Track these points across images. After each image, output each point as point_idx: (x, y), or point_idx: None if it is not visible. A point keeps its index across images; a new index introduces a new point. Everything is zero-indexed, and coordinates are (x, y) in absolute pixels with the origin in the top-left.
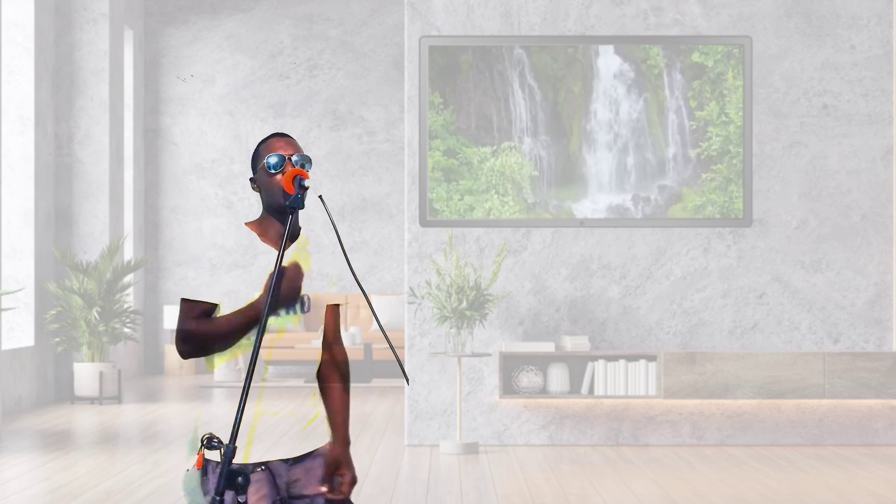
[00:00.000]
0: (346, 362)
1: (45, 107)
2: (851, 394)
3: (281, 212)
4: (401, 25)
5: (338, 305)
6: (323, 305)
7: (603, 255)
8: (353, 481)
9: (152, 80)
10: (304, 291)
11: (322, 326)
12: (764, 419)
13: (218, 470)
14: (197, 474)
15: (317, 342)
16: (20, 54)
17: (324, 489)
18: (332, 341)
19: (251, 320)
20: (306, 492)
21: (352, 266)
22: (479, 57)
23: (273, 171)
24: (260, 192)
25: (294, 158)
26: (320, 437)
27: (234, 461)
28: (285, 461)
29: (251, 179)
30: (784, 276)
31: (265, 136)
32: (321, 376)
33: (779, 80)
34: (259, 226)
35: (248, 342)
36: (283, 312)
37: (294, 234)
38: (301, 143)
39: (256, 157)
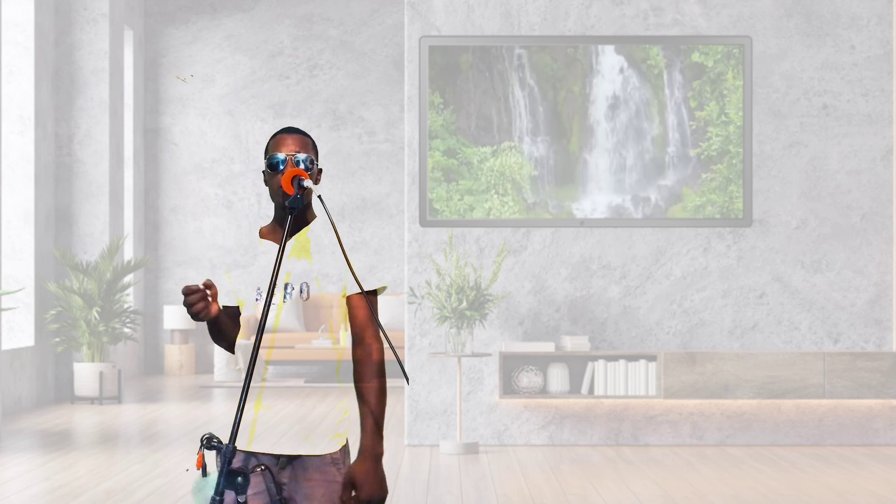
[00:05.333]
0: (379, 362)
1: (45, 107)
2: (851, 394)
3: (283, 209)
4: (401, 25)
5: (373, 292)
6: (331, 306)
7: (603, 255)
8: (371, 501)
9: (152, 80)
10: (306, 280)
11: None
12: (764, 419)
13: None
14: (204, 477)
15: (317, 342)
16: (20, 54)
17: None
18: (361, 336)
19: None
20: (298, 499)
21: (352, 266)
22: (479, 57)
23: (275, 171)
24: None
25: (296, 158)
26: (318, 439)
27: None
28: (276, 458)
29: (264, 172)
30: (784, 276)
31: (277, 130)
32: (355, 379)
33: (779, 80)
34: (271, 225)
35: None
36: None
37: (304, 224)
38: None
39: (267, 153)
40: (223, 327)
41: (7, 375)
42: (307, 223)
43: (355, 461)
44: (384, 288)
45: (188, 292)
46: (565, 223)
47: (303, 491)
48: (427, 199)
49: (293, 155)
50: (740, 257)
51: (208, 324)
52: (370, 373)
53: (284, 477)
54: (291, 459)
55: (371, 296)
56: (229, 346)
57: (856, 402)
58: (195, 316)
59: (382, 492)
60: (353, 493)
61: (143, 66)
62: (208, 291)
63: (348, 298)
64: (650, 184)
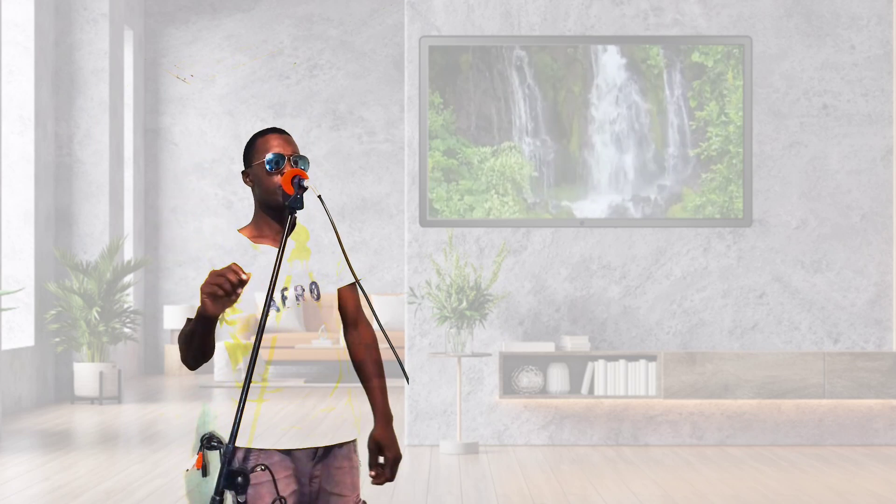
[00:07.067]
0: (374, 343)
1: (45, 107)
2: (851, 394)
3: (277, 209)
4: (401, 25)
5: (353, 285)
6: (331, 306)
7: (603, 255)
8: (397, 460)
9: (152, 80)
10: (313, 279)
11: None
12: (764, 419)
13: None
14: (197, 474)
15: (317, 342)
16: (20, 54)
17: (372, 473)
18: (355, 321)
19: (198, 320)
20: (328, 488)
21: (352, 266)
22: (479, 57)
23: (271, 171)
24: (253, 187)
25: (293, 158)
26: (334, 431)
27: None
28: (314, 451)
29: (243, 173)
30: (784, 276)
31: (260, 130)
32: (356, 366)
33: (779, 80)
34: (255, 227)
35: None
36: (290, 298)
37: (291, 227)
38: (301, 143)
39: (250, 151)
40: (209, 335)
41: (7, 375)
42: (294, 224)
43: (376, 427)
44: (361, 279)
45: (223, 278)
46: (565, 223)
47: (333, 479)
48: (427, 199)
49: (291, 155)
50: (740, 257)
51: (197, 323)
52: (370, 354)
53: (318, 470)
54: (327, 451)
55: (357, 286)
56: (201, 360)
57: (856, 402)
58: (213, 298)
59: (399, 453)
60: (381, 457)
61: (143, 66)
62: (239, 291)
63: (339, 290)
64: (650, 184)
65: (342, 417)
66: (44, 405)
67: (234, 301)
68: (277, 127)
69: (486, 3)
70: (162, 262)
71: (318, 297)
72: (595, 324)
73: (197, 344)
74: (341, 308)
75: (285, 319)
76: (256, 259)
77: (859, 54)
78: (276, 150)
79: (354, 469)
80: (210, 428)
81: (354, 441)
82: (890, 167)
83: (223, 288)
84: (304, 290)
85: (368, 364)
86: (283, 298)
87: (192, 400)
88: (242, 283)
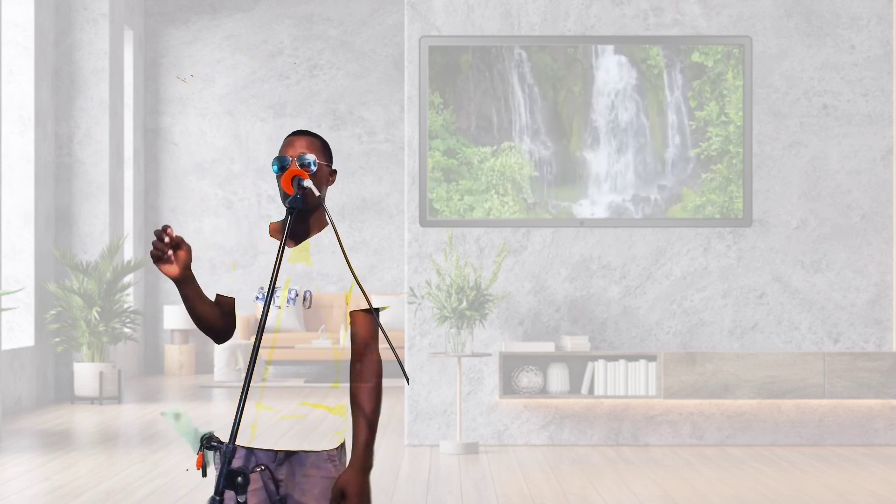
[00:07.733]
0: (375, 382)
1: (45, 107)
2: (851, 394)
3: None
4: (401, 25)
5: (377, 311)
6: (330, 306)
7: (603, 255)
8: None
9: (152, 80)
10: (310, 288)
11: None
12: (764, 419)
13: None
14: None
15: (317, 342)
16: (20, 54)
17: None
18: (361, 355)
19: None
20: (295, 495)
21: (352, 266)
22: (479, 57)
23: (278, 173)
24: None
25: (298, 158)
26: (317, 437)
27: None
28: (274, 454)
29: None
30: (784, 276)
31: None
32: (351, 403)
33: (779, 80)
34: (281, 223)
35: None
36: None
37: (313, 231)
38: None
39: None
40: (191, 300)
41: (7, 375)
42: (317, 230)
43: (345, 471)
44: (386, 307)
45: (158, 236)
46: (565, 223)
47: (300, 486)
48: (427, 199)
49: (297, 156)
50: (740, 257)
51: (181, 295)
52: (366, 393)
53: (282, 473)
54: (289, 455)
55: (375, 313)
56: (210, 331)
57: (856, 402)
58: (156, 262)
59: None
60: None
61: (143, 66)
62: (169, 251)
63: (352, 314)
64: (650, 184)
65: (335, 421)
66: (44, 405)
67: (173, 256)
68: (301, 129)
69: (486, 3)
70: None
71: (310, 307)
72: (595, 324)
73: (191, 312)
74: (352, 334)
75: (285, 319)
76: (256, 259)
77: (859, 54)
78: (285, 152)
79: (328, 479)
80: (189, 426)
81: (334, 450)
82: (890, 167)
83: (155, 253)
84: (297, 294)
85: (362, 406)
86: (276, 298)
87: (193, 400)
88: (165, 240)
